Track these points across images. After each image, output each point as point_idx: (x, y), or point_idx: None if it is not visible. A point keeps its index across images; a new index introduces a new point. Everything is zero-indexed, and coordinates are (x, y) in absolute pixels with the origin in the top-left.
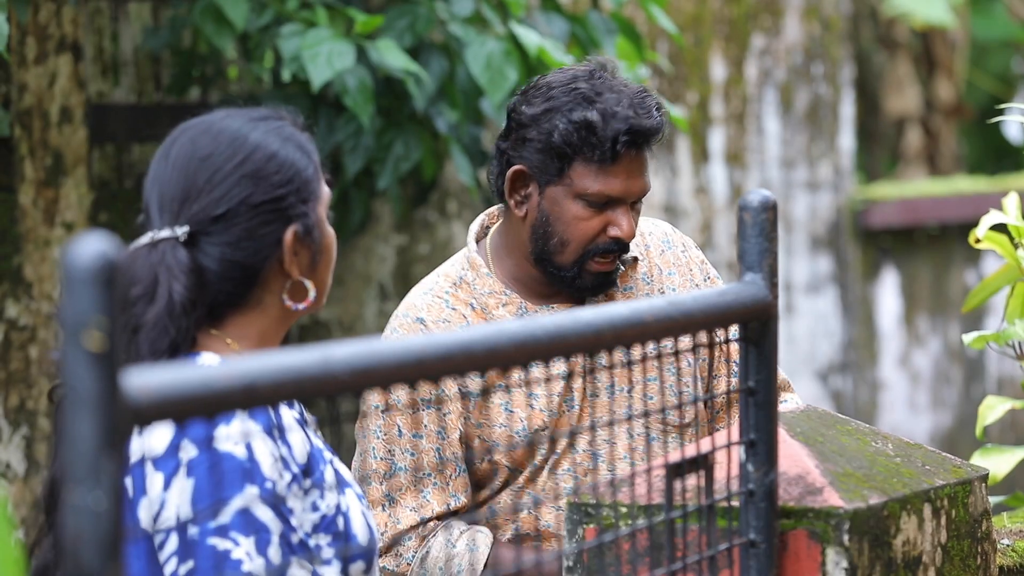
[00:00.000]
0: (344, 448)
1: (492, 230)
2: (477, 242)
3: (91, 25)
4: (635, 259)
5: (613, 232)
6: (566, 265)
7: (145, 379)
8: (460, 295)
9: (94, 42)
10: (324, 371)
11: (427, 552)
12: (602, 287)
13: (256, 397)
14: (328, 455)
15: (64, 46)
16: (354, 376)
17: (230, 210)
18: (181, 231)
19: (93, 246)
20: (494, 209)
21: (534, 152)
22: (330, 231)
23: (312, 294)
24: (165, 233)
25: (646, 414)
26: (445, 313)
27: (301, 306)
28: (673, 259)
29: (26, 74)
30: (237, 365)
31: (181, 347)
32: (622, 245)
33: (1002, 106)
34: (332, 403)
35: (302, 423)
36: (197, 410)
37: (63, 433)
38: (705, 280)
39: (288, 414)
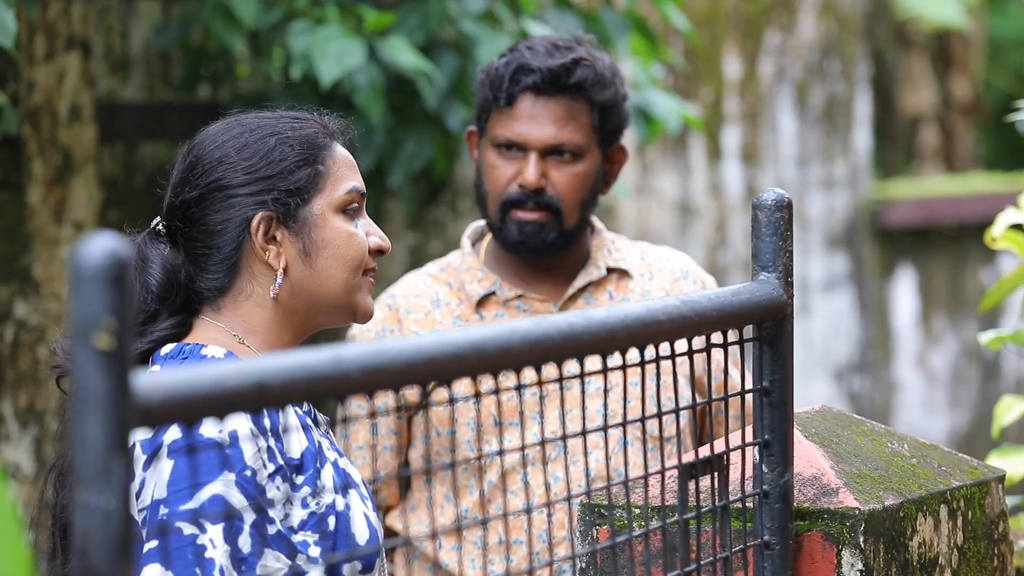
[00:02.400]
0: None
1: None
2: (479, 239)
3: (100, 22)
4: (624, 272)
5: (519, 180)
6: (493, 218)
7: (155, 379)
8: (441, 276)
9: (103, 40)
10: (335, 371)
11: None
12: (529, 244)
13: (267, 397)
14: (333, 455)
15: (73, 44)
16: (365, 376)
17: (203, 195)
18: (158, 221)
19: (102, 245)
20: None
21: (475, 111)
22: (339, 227)
23: (279, 279)
24: (154, 223)
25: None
26: (419, 289)
27: (272, 291)
28: (687, 290)
29: (35, 72)
30: (247, 365)
31: (150, 331)
32: (536, 196)
33: (1019, 104)
34: (343, 403)
35: (306, 421)
36: (207, 410)
37: (72, 431)
38: None
39: (291, 413)
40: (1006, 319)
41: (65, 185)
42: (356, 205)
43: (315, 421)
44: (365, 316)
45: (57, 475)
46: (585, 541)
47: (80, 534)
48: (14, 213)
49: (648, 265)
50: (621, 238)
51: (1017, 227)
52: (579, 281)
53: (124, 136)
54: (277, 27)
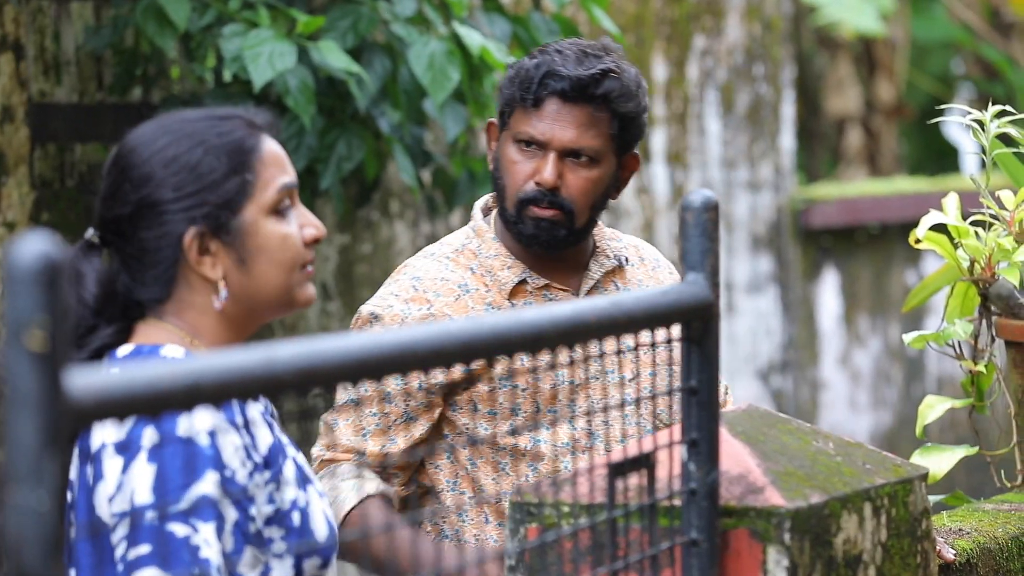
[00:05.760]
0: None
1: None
2: (484, 216)
3: (33, 24)
4: (623, 262)
5: (536, 177)
6: (510, 211)
7: (88, 379)
8: (461, 260)
9: (36, 41)
10: (268, 371)
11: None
12: (541, 239)
13: (200, 397)
14: (292, 451)
15: (6, 45)
16: (297, 375)
17: (133, 212)
18: (92, 233)
19: (35, 246)
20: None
21: (497, 106)
22: (272, 231)
23: (223, 293)
24: (87, 235)
25: (637, 402)
26: (443, 272)
27: (217, 304)
28: (664, 277)
29: None
30: (180, 365)
31: (90, 341)
32: (551, 196)
33: (942, 107)
34: (276, 402)
35: (267, 418)
36: (140, 410)
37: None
38: None
39: (254, 408)
40: (929, 319)
41: None
42: (288, 201)
43: (272, 416)
44: (306, 305)
45: None
46: (514, 539)
47: (12, 535)
48: None
49: (638, 253)
50: (611, 228)
51: (940, 228)
52: (595, 271)
53: (57, 137)
54: (209, 29)
